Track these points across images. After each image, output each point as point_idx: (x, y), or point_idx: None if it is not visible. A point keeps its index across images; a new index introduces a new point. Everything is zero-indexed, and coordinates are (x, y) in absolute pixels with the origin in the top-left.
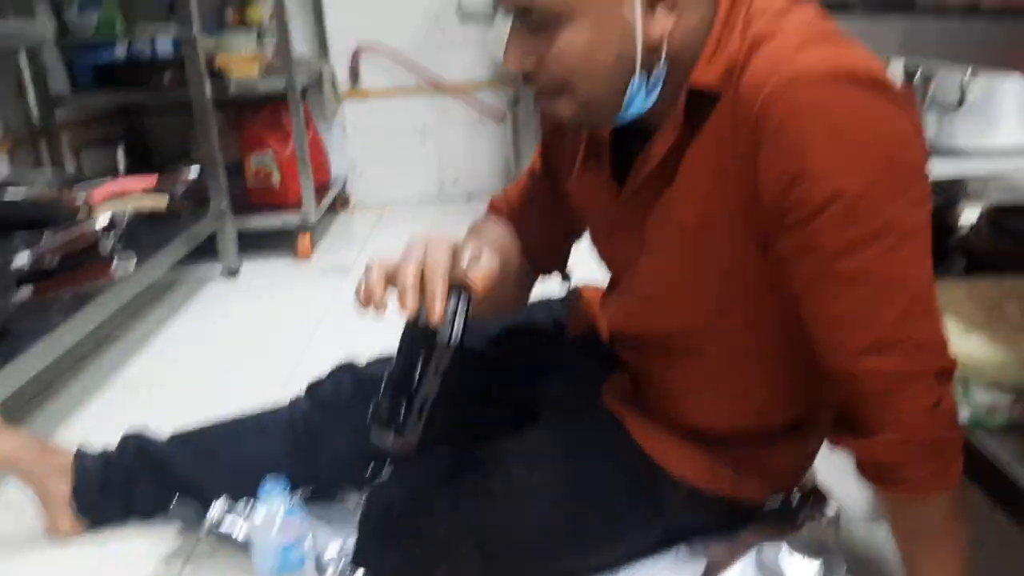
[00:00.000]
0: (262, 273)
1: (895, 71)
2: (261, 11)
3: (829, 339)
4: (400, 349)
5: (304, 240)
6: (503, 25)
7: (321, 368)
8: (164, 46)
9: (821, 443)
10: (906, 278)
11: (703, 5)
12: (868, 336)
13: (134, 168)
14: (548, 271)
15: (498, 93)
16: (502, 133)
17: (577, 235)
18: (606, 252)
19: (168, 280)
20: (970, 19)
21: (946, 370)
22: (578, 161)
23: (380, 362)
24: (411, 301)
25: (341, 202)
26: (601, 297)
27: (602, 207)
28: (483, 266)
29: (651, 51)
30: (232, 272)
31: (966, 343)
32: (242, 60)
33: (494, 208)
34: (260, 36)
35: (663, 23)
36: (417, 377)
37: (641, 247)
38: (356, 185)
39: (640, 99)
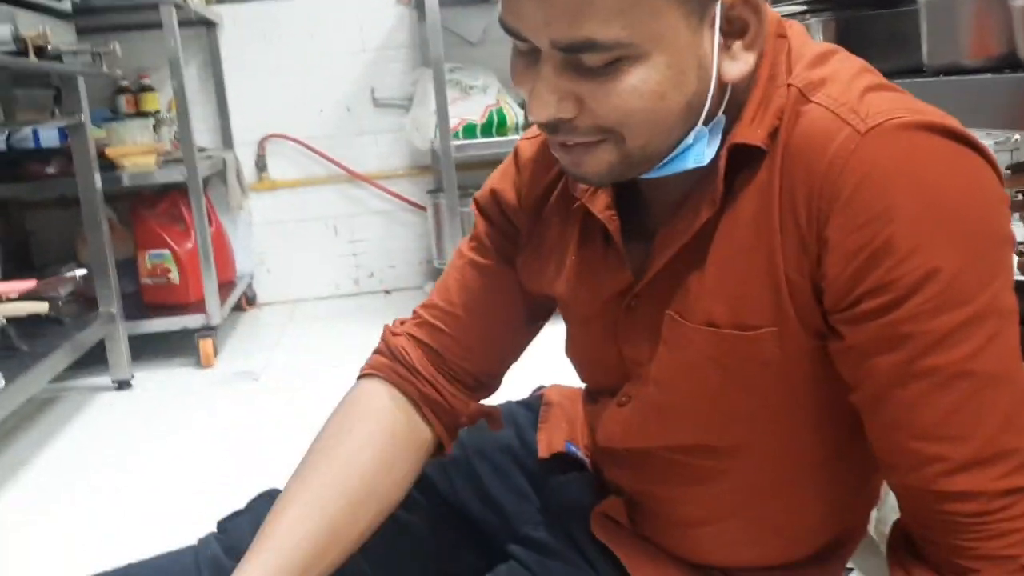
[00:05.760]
0: (159, 383)
1: None
2: (159, 99)
3: (913, 452)
4: None
5: (207, 345)
6: (522, 65)
7: (228, 499)
8: (50, 136)
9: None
10: (1008, 373)
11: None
12: (966, 448)
13: (13, 268)
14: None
15: (417, 182)
16: (422, 224)
17: (522, 348)
18: (602, 359)
19: (48, 394)
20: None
21: None
22: (571, 247)
23: None
24: None
25: (247, 300)
26: (583, 402)
27: (602, 303)
28: None
29: (717, 96)
30: (123, 384)
31: None
32: (137, 150)
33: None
34: (157, 125)
35: (740, 64)
36: None
37: (654, 350)
38: (264, 282)
39: (700, 150)
